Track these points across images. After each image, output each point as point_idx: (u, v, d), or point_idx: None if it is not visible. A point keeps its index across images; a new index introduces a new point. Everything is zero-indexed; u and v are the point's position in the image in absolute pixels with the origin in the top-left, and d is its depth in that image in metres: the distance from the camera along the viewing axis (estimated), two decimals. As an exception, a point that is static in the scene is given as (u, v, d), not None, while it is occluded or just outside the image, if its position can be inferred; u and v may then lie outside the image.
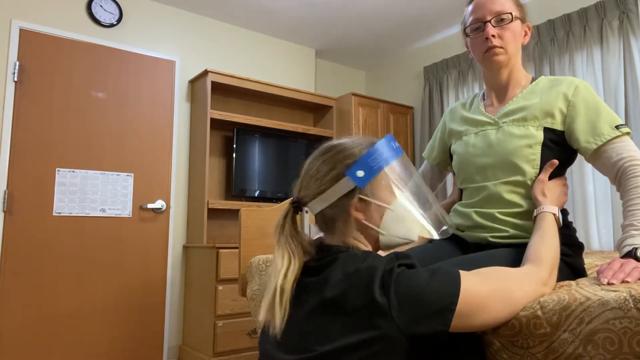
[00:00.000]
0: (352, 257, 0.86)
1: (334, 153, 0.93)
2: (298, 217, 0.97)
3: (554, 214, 1.09)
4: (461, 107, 1.44)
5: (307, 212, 0.95)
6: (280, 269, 0.88)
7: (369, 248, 0.94)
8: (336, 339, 0.78)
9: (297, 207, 0.95)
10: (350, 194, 0.90)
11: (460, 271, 0.83)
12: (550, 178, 1.19)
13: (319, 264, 0.89)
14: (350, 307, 0.79)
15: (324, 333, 0.80)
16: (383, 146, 0.94)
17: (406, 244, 0.95)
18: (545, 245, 0.99)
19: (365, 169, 0.90)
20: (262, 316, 0.88)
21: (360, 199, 0.91)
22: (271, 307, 0.86)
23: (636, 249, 0.98)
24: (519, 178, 1.20)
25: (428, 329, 0.77)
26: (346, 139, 0.97)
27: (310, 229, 0.96)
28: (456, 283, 0.80)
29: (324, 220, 0.94)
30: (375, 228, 0.92)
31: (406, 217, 0.93)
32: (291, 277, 0.87)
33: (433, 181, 1.58)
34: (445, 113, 1.51)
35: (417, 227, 0.93)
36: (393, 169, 0.94)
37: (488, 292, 0.82)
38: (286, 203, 2.16)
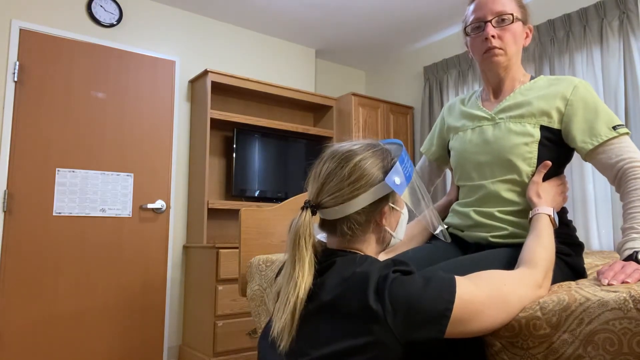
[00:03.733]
0: (348, 261, 0.87)
1: (361, 160, 0.91)
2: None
3: (549, 215, 1.08)
4: (460, 102, 1.44)
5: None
6: (300, 283, 0.84)
7: (374, 251, 0.95)
8: (331, 343, 0.78)
9: (314, 211, 0.92)
10: (381, 200, 0.91)
11: (456, 277, 0.83)
12: (547, 177, 1.18)
13: (319, 267, 0.89)
14: (345, 311, 0.79)
15: (319, 337, 0.80)
16: (406, 153, 0.96)
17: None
18: (540, 247, 0.99)
19: (401, 176, 0.91)
20: (276, 331, 0.84)
21: (389, 205, 0.92)
22: (289, 323, 0.83)
23: (637, 252, 0.97)
24: (515, 176, 1.20)
25: (423, 336, 0.77)
26: (358, 143, 0.95)
27: (314, 230, 0.95)
28: (451, 289, 0.80)
29: (340, 224, 0.91)
30: (391, 232, 0.95)
31: (406, 219, 0.99)
32: (308, 289, 0.85)
33: (431, 177, 1.56)
34: (444, 108, 1.50)
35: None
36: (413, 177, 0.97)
37: (483, 298, 0.82)
38: (285, 205, 2.16)
